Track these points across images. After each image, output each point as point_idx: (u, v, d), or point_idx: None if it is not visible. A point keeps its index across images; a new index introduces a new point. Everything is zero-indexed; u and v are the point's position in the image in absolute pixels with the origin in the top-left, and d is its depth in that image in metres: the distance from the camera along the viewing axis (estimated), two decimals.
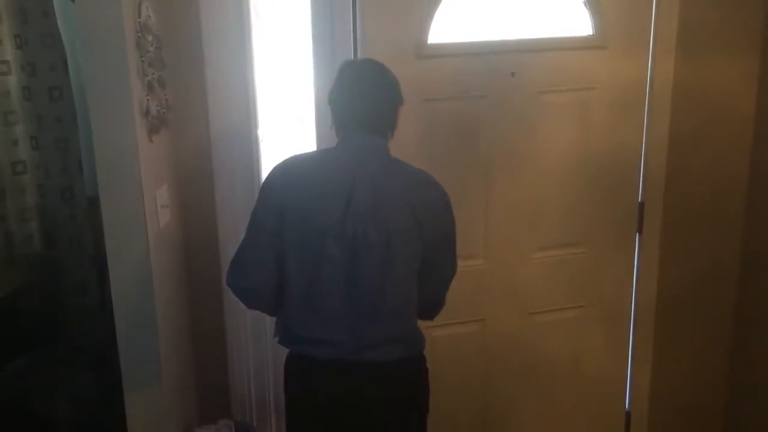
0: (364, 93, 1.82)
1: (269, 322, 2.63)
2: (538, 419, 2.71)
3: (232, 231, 2.54)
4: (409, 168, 1.82)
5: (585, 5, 2.37)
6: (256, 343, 2.65)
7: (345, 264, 1.71)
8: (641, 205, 2.51)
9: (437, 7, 2.28)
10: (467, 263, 2.31)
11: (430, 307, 1.93)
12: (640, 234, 2.53)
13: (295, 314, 1.80)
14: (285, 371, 1.91)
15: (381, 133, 1.82)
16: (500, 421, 2.66)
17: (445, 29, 2.38)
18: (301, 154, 1.89)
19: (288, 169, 1.80)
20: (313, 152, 2.01)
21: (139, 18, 2.06)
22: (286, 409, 1.93)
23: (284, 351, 2.60)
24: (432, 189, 1.81)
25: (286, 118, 2.63)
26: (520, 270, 2.51)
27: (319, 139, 2.47)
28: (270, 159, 2.59)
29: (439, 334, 2.43)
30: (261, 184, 1.85)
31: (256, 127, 2.49)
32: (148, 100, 2.10)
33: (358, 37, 2.27)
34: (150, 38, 2.11)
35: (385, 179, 1.75)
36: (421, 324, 1.90)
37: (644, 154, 2.47)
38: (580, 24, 2.40)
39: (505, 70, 2.36)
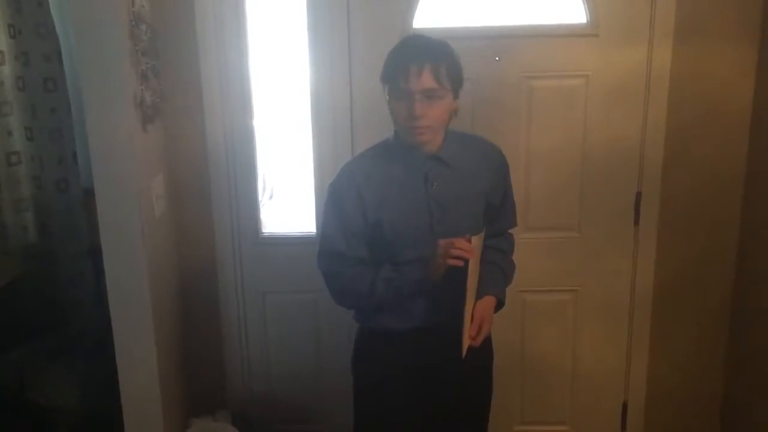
0: None
1: (266, 312, 2.64)
2: (530, 404, 2.72)
3: (228, 221, 2.54)
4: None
5: None
6: (253, 334, 2.65)
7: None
8: (638, 194, 2.50)
9: None
10: None
11: None
12: (637, 223, 2.53)
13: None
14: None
15: None
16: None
17: (440, 14, 2.40)
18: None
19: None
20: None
21: (133, 7, 2.05)
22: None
23: (283, 340, 2.64)
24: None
25: (281, 108, 2.62)
26: None
27: (315, 127, 2.47)
28: (265, 149, 2.58)
29: None
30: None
31: (251, 117, 2.48)
32: (142, 89, 2.09)
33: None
34: (144, 27, 2.10)
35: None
36: None
37: (641, 144, 2.46)
38: (577, 13, 2.39)
39: (490, 55, 2.41)
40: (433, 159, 1.79)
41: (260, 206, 2.59)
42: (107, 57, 1.97)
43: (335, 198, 1.83)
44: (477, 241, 1.71)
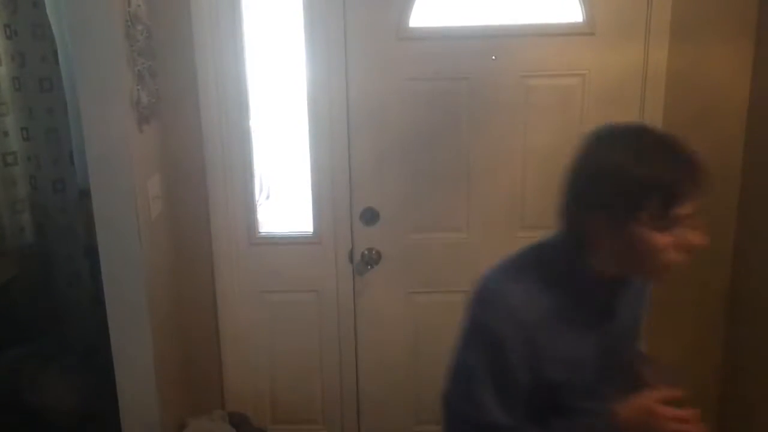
0: None
1: (263, 312, 2.64)
2: None
3: (225, 221, 2.54)
4: None
5: None
6: (250, 334, 2.65)
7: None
8: None
9: None
10: (450, 235, 2.52)
11: None
12: None
13: None
14: None
15: None
16: None
17: (437, 13, 2.40)
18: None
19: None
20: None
21: (129, 7, 2.05)
22: None
23: (280, 340, 2.64)
24: None
25: (278, 108, 2.62)
26: (502, 246, 2.46)
27: (311, 129, 2.47)
28: (262, 149, 2.58)
29: (420, 301, 2.58)
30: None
31: (247, 117, 2.48)
32: (138, 90, 2.09)
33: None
34: (140, 28, 2.10)
35: None
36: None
37: None
38: (573, 12, 2.39)
39: (486, 54, 2.41)
40: (612, 281, 1.30)
41: (257, 206, 2.59)
42: (103, 57, 1.97)
43: (494, 347, 1.26)
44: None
